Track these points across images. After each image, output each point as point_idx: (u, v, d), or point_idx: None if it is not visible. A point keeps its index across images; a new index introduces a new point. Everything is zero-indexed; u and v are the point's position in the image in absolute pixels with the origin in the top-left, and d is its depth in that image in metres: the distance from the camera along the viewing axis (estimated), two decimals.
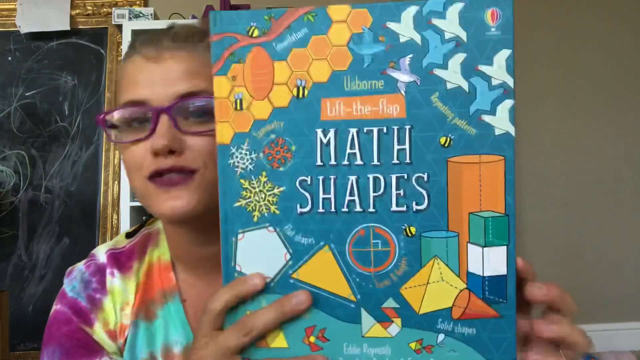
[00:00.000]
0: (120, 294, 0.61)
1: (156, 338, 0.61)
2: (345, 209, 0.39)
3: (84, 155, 2.19)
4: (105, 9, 2.26)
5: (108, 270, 0.62)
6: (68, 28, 2.20)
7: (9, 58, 2.21)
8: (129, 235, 0.67)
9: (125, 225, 1.86)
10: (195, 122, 0.53)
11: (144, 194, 0.54)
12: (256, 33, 0.39)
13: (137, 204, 1.89)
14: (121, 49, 2.13)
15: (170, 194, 0.52)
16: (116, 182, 2.16)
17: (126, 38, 1.94)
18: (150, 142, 0.52)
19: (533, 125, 2.35)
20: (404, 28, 0.38)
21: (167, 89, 0.53)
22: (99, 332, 0.61)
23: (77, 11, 2.25)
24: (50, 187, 2.17)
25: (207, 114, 0.52)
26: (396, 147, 0.39)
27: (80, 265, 0.64)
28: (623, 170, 2.35)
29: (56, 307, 0.62)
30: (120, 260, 0.63)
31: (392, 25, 0.38)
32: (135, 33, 1.95)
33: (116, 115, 0.55)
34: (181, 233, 0.60)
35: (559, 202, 2.32)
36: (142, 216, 1.95)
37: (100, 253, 0.64)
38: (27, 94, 2.20)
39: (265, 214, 0.40)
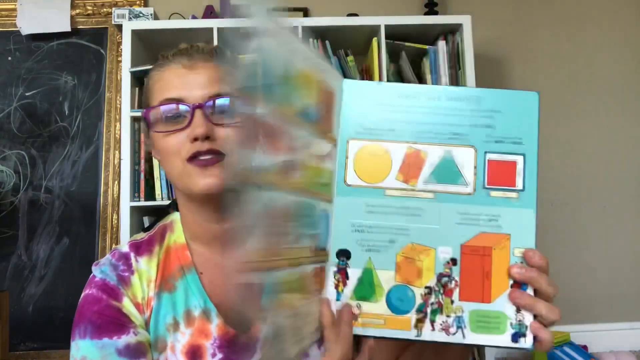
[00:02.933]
0: (145, 273, 0.70)
1: (178, 305, 0.69)
2: None
3: (84, 155, 2.19)
4: (105, 9, 2.26)
5: (132, 256, 0.71)
6: (69, 29, 2.20)
7: (9, 58, 2.22)
8: (146, 230, 0.77)
9: (125, 225, 1.86)
10: (220, 117, 0.67)
11: (183, 174, 0.67)
12: None
13: (137, 203, 1.89)
14: (121, 49, 2.13)
15: (207, 172, 0.66)
16: (116, 182, 2.16)
17: (126, 38, 1.93)
18: (188, 131, 0.66)
19: None
20: None
21: (201, 91, 0.67)
22: (127, 306, 0.68)
23: (77, 11, 2.25)
24: (50, 187, 2.17)
25: (228, 111, 0.68)
26: None
27: (107, 256, 0.73)
28: (623, 170, 2.35)
29: (85, 291, 0.69)
30: (142, 248, 0.73)
31: None
32: (141, 34, 1.95)
33: (156, 111, 0.68)
34: (199, 212, 0.71)
35: (559, 202, 2.32)
36: (142, 216, 1.95)
37: (123, 245, 0.74)
38: (27, 94, 2.20)
39: None
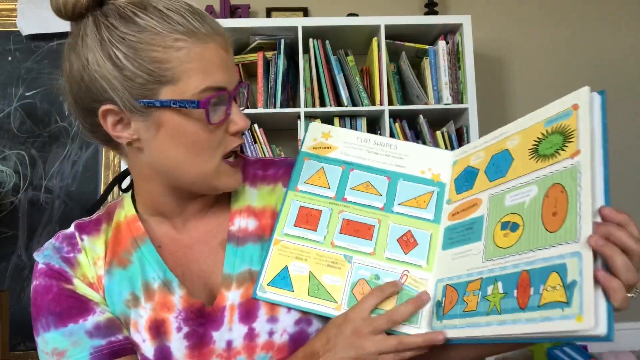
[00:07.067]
0: (91, 251, 0.65)
1: (135, 279, 0.64)
2: None
3: (84, 155, 2.19)
4: None
5: (77, 235, 0.66)
6: (69, 29, 2.20)
7: (9, 58, 2.22)
8: (89, 211, 0.71)
9: None
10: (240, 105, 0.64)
11: (215, 172, 0.61)
12: None
13: None
14: None
15: (236, 171, 0.64)
16: None
17: None
18: (227, 123, 0.60)
19: None
20: None
21: (235, 77, 0.61)
22: (80, 287, 0.63)
23: None
24: (50, 187, 2.17)
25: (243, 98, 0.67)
26: None
27: (50, 240, 0.67)
28: (625, 169, 2.35)
29: (34, 283, 0.64)
30: (89, 227, 0.68)
31: None
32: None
33: (203, 100, 0.57)
34: (172, 193, 0.65)
35: None
36: None
37: (68, 228, 0.69)
38: (27, 94, 2.20)
39: None
